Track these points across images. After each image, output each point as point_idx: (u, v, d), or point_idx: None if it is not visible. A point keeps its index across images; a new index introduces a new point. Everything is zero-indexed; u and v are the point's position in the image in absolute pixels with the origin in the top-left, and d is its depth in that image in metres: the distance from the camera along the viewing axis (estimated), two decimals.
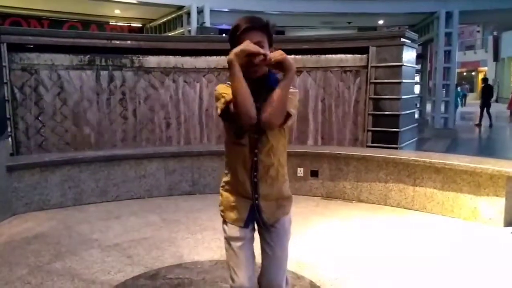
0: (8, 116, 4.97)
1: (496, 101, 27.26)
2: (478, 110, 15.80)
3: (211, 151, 5.46)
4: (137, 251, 3.56)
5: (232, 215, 1.95)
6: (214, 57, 5.99)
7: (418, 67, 14.59)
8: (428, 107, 16.17)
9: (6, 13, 12.29)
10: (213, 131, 6.13)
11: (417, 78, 14.99)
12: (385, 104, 5.62)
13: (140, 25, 15.19)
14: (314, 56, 5.92)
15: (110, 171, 5.05)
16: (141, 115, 5.86)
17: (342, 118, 5.88)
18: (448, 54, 13.70)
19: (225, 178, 1.99)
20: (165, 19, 13.70)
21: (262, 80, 1.82)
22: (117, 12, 13.54)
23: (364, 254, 3.52)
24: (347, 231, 4.11)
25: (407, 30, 6.26)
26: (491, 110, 15.75)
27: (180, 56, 6.01)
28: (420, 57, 15.38)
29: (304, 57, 5.91)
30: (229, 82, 1.75)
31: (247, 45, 1.71)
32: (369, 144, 5.69)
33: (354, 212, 4.69)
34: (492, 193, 4.18)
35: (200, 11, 12.28)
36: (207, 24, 12.22)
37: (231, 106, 1.75)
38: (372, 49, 5.61)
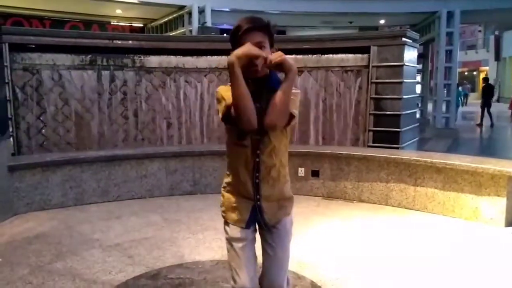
0: (9, 116, 4.98)
1: (498, 100, 27.24)
2: (479, 109, 15.79)
3: (212, 151, 5.46)
4: (138, 251, 3.56)
5: (233, 216, 1.95)
6: (215, 57, 6.00)
7: (420, 66, 14.57)
8: (429, 107, 16.15)
9: (8, 13, 12.31)
10: (214, 131, 6.14)
11: (418, 78, 14.99)
12: (386, 104, 5.62)
13: (142, 25, 15.22)
14: (315, 55, 5.92)
15: (111, 171, 5.05)
16: (142, 115, 5.87)
17: (343, 118, 5.88)
18: (449, 54, 13.68)
19: (227, 179, 1.99)
20: (166, 19, 13.71)
21: (264, 80, 1.82)
22: (118, 12, 13.56)
23: (365, 254, 3.52)
24: (348, 231, 4.10)
25: (409, 29, 6.26)
26: (492, 109, 15.73)
27: (181, 56, 6.02)
28: (422, 57, 15.35)
29: (305, 57, 5.91)
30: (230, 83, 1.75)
31: (249, 48, 1.70)
32: (370, 144, 5.69)
33: (355, 212, 4.69)
34: (494, 193, 4.17)
35: (201, 11, 12.29)
36: (208, 24, 12.23)
37: (232, 111, 1.75)
38: (373, 49, 5.61)
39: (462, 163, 4.35)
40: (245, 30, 1.78)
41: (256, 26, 1.79)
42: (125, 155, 5.22)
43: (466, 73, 36.21)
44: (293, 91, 1.81)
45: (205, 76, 6.10)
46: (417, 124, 6.79)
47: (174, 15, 13.14)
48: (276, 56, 1.73)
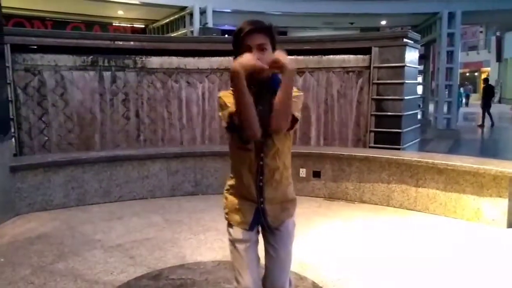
0: (11, 116, 4.99)
1: (499, 101, 27.21)
2: (481, 110, 15.77)
3: (214, 151, 5.47)
4: (139, 252, 3.57)
5: (237, 218, 1.95)
6: (217, 57, 6.01)
7: (421, 67, 14.51)
8: (431, 107, 16.14)
9: (10, 14, 12.32)
10: (215, 132, 6.14)
11: (419, 79, 14.94)
12: (388, 104, 5.62)
13: (143, 26, 15.24)
14: (316, 56, 5.93)
15: (113, 172, 5.06)
16: (143, 115, 5.87)
17: (345, 119, 5.88)
18: (450, 55, 13.66)
19: (230, 182, 2.00)
20: (167, 20, 13.73)
21: (266, 82, 1.81)
22: (120, 13, 13.58)
23: (367, 255, 3.52)
24: (350, 232, 4.10)
25: (410, 30, 6.27)
26: (494, 110, 15.70)
27: (182, 57, 6.03)
28: (423, 58, 15.32)
29: (306, 57, 5.91)
30: (232, 88, 1.73)
31: (255, 62, 1.68)
32: (372, 144, 5.69)
33: (357, 213, 4.69)
34: (495, 194, 4.17)
35: (202, 12, 12.30)
36: (210, 24, 12.23)
37: (235, 118, 1.74)
38: (375, 50, 5.61)
39: (463, 164, 4.35)
40: (247, 32, 1.78)
41: (258, 28, 1.80)
42: (127, 156, 5.22)
43: (467, 74, 36.18)
44: (297, 93, 1.81)
45: (206, 77, 6.11)
46: (419, 125, 6.79)
47: (176, 16, 13.16)
48: (269, 59, 1.72)
